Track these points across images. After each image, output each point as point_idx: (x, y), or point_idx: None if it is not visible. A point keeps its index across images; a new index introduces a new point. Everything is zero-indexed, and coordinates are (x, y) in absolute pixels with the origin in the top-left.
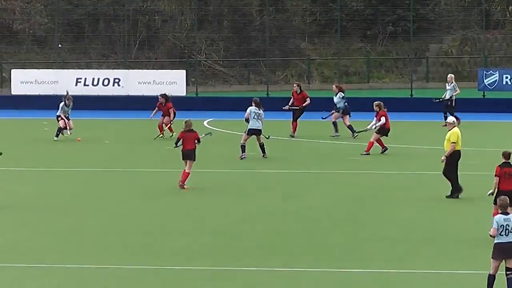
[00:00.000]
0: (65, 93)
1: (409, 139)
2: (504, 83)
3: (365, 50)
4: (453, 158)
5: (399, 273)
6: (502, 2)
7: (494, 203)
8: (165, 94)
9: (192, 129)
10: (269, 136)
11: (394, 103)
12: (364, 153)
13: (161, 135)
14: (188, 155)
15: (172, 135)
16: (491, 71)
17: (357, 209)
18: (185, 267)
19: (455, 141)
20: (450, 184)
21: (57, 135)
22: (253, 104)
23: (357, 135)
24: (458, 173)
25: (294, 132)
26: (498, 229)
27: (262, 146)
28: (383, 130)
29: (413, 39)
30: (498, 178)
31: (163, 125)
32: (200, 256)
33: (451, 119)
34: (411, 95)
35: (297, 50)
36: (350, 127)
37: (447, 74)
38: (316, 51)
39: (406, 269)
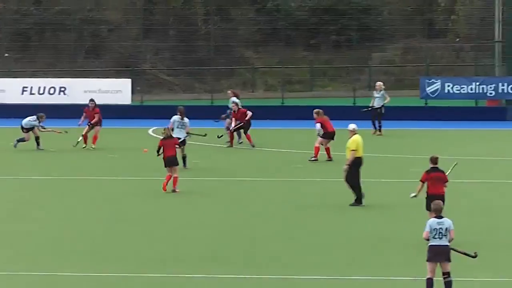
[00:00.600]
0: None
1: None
2: (446, 91)
3: (308, 59)
4: (355, 166)
5: (343, 279)
6: (444, 12)
7: (427, 209)
8: (93, 99)
9: (171, 136)
10: (221, 136)
11: (337, 111)
12: (312, 158)
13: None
14: (171, 161)
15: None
16: (433, 80)
17: (301, 217)
18: (133, 274)
19: (355, 149)
20: (353, 192)
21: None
22: (177, 113)
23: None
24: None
25: (251, 142)
26: (431, 232)
27: (184, 158)
28: (327, 134)
29: (356, 48)
30: (422, 183)
31: (96, 134)
32: (147, 263)
33: (351, 126)
34: (354, 103)
35: (241, 59)
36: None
37: (384, 83)
38: (260, 60)
39: (350, 275)
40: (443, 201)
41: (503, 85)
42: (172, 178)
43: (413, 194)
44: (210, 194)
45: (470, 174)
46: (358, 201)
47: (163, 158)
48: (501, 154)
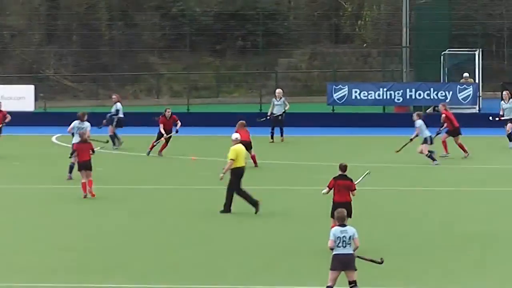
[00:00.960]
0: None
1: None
2: (353, 97)
3: (214, 65)
4: (235, 175)
5: None
6: (351, 17)
7: (331, 217)
8: None
9: (86, 140)
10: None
11: (243, 118)
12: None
13: None
14: (85, 165)
15: None
16: (340, 86)
17: (204, 225)
18: (34, 284)
19: (233, 158)
20: (225, 199)
21: None
22: (77, 118)
23: (115, 147)
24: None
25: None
26: (335, 241)
27: None
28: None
29: (262, 53)
30: (328, 189)
31: None
32: (50, 273)
33: (234, 136)
34: (260, 110)
35: (146, 65)
36: (112, 136)
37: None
38: (165, 66)
39: (258, 284)
40: (350, 209)
41: (410, 91)
42: (87, 182)
43: (325, 190)
44: (114, 202)
45: (378, 181)
46: (227, 209)
47: (78, 161)
48: (409, 161)
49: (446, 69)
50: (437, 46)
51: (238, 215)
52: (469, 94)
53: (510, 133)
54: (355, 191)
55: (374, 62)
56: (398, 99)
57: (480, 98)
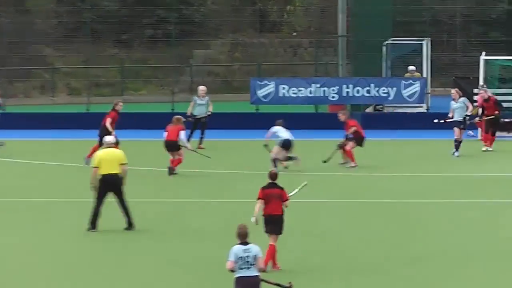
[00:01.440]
0: None
1: (145, 159)
2: (281, 95)
3: (119, 57)
4: (101, 184)
5: None
6: (279, 2)
7: (265, 232)
8: None
9: None
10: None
11: (153, 119)
12: (174, 171)
13: None
14: None
15: None
16: (266, 81)
17: (87, 241)
18: None
19: (96, 166)
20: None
21: None
22: None
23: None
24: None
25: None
26: (237, 262)
27: None
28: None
29: (175, 44)
30: (260, 201)
31: None
32: None
33: (107, 138)
34: (173, 109)
35: (39, 58)
36: None
37: (208, 85)
38: (62, 59)
39: None
40: (281, 223)
41: (347, 87)
42: None
43: (253, 219)
44: None
45: (311, 192)
46: (93, 225)
47: None
48: (342, 168)
49: (388, 61)
50: (378, 35)
51: (136, 231)
52: (416, 91)
53: (457, 140)
54: (287, 201)
55: (305, 54)
56: (333, 97)
57: (429, 95)
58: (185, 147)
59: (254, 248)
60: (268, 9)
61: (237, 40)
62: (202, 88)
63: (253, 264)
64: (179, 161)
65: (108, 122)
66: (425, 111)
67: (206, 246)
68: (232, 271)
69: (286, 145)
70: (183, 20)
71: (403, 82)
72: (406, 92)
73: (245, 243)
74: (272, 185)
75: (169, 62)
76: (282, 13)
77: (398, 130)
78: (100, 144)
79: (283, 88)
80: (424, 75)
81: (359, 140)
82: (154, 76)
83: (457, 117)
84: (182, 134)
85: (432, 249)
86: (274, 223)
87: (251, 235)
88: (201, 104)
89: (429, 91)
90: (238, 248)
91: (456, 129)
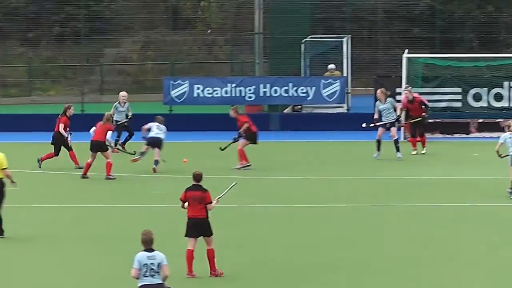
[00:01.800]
0: None
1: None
2: (195, 95)
3: (26, 56)
4: None
5: None
6: None
7: (186, 236)
8: None
9: None
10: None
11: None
12: (110, 177)
13: None
14: None
15: None
16: (179, 81)
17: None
18: None
19: None
20: None
21: None
22: None
23: None
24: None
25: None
26: (141, 269)
27: None
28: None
29: (85, 42)
30: (183, 203)
31: None
32: None
33: None
34: (83, 110)
35: None
36: None
37: (119, 85)
38: None
39: None
40: (206, 227)
41: (265, 87)
42: None
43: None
44: None
45: (235, 196)
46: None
47: None
48: (264, 172)
49: (307, 60)
50: (296, 32)
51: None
52: (336, 90)
53: (397, 139)
54: (211, 205)
55: (221, 52)
56: (250, 97)
57: (349, 95)
58: (111, 147)
59: (158, 256)
60: (181, 5)
61: (149, 37)
62: (123, 94)
63: (158, 272)
64: (110, 165)
65: (61, 128)
66: (346, 111)
67: (109, 252)
68: (137, 278)
69: (151, 143)
70: (93, 17)
71: (323, 81)
72: (325, 92)
73: (150, 250)
74: (195, 187)
75: (79, 61)
76: (196, 9)
77: (317, 131)
78: (56, 151)
79: (198, 88)
80: (345, 74)
81: (251, 136)
82: (62, 75)
83: (385, 120)
84: (109, 135)
85: (350, 256)
86: (195, 227)
87: None
88: (122, 111)
89: (350, 91)
90: (142, 255)
91: (393, 128)
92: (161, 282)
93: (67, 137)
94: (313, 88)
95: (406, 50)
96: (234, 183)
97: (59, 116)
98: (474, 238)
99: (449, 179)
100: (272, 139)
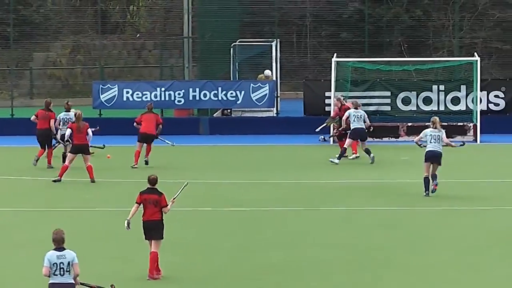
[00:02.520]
0: None
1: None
2: (124, 99)
3: None
4: None
5: None
6: (121, 2)
7: (146, 239)
8: None
9: None
10: None
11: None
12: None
13: None
14: None
15: None
16: (108, 85)
17: None
18: None
19: None
20: None
21: None
22: None
23: None
24: None
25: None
26: (51, 268)
27: None
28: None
29: (14, 46)
30: (137, 205)
31: None
32: None
33: None
34: (12, 115)
35: None
36: None
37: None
38: None
39: None
40: (160, 229)
41: (194, 91)
42: None
43: (126, 223)
44: None
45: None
46: None
47: None
48: (193, 176)
49: (236, 64)
50: (226, 36)
51: None
52: (265, 94)
53: (366, 149)
54: (167, 207)
55: (150, 56)
56: (179, 101)
57: (278, 98)
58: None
59: (69, 254)
60: (110, 9)
61: (78, 42)
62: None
63: (68, 271)
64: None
65: (52, 124)
66: (275, 115)
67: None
68: (48, 276)
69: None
70: (22, 21)
71: (252, 85)
72: (255, 96)
73: (60, 249)
74: (151, 190)
75: (8, 65)
76: (125, 13)
77: (247, 135)
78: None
79: (127, 92)
80: (274, 78)
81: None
82: None
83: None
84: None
85: (285, 258)
86: (151, 229)
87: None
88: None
89: (279, 95)
90: (51, 254)
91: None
92: (71, 281)
93: (55, 134)
94: (243, 92)
95: (335, 54)
96: (186, 183)
97: (46, 112)
98: (405, 242)
99: (379, 183)
100: (201, 143)
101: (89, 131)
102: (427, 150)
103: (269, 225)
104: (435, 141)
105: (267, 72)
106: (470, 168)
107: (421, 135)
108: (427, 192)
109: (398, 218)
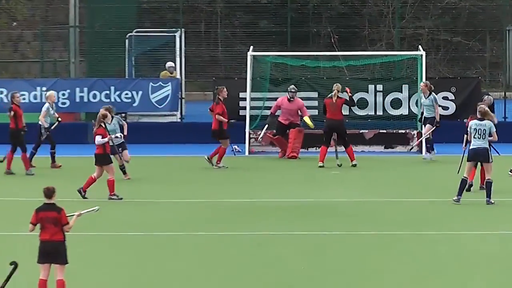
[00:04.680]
0: None
1: None
2: None
3: None
4: None
5: None
6: None
7: (38, 262)
8: None
9: None
10: None
11: None
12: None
13: None
14: None
15: None
16: None
17: None
18: None
19: None
20: None
21: None
22: None
23: None
24: None
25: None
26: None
27: None
28: None
29: None
30: (33, 226)
31: None
32: None
33: None
34: None
35: None
36: None
37: None
38: None
39: None
40: (61, 251)
41: (81, 91)
42: None
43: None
44: None
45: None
46: None
47: None
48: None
49: (133, 58)
50: (120, 25)
51: None
52: (167, 95)
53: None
54: (68, 225)
55: (29, 49)
56: (64, 103)
57: (183, 100)
58: None
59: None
60: None
61: None
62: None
63: None
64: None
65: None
66: (179, 120)
67: None
68: None
69: None
70: None
71: (151, 84)
72: (155, 97)
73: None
74: (48, 206)
75: None
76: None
77: (145, 144)
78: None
79: (1, 92)
80: (178, 75)
81: None
82: None
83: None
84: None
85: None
86: (49, 252)
87: None
88: (52, 115)
89: (184, 96)
90: None
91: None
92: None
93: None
94: (140, 93)
95: (251, 47)
96: (96, 208)
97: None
98: (332, 272)
99: (303, 202)
100: (89, 154)
101: None
102: (470, 147)
103: (161, 252)
104: (480, 136)
105: (170, 64)
106: (411, 184)
107: (468, 129)
108: (458, 197)
109: (321, 244)
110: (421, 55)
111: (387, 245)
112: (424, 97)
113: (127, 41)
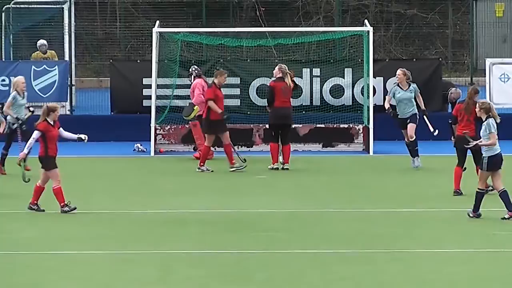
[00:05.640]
0: None
1: None
2: None
3: None
4: None
5: None
6: None
7: None
8: None
9: None
10: None
11: None
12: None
13: None
14: None
15: None
16: None
17: None
18: None
19: None
20: None
21: None
22: None
23: None
24: None
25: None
26: None
27: None
28: None
29: None
30: None
31: None
32: None
33: None
34: None
35: None
36: None
37: None
38: None
39: None
40: None
41: None
42: None
43: None
44: None
45: None
46: None
47: None
48: None
49: (10, 36)
50: None
51: None
52: (53, 81)
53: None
54: None
55: None
56: None
57: (73, 88)
58: None
59: None
60: None
61: None
62: (22, 80)
63: None
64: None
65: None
66: (68, 112)
67: None
68: None
69: None
70: None
71: (34, 67)
72: (38, 84)
73: None
74: None
75: None
76: None
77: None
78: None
79: None
80: (66, 57)
81: None
82: None
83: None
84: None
85: None
86: None
87: None
88: (21, 104)
89: (74, 82)
90: None
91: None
92: None
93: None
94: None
95: (157, 22)
96: None
97: None
98: None
99: (219, 214)
100: None
101: None
102: (492, 153)
103: (54, 273)
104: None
105: (41, 42)
106: (356, 191)
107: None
108: (477, 213)
109: (240, 265)
110: (368, 32)
111: (325, 267)
112: (402, 89)
113: (3, 14)
